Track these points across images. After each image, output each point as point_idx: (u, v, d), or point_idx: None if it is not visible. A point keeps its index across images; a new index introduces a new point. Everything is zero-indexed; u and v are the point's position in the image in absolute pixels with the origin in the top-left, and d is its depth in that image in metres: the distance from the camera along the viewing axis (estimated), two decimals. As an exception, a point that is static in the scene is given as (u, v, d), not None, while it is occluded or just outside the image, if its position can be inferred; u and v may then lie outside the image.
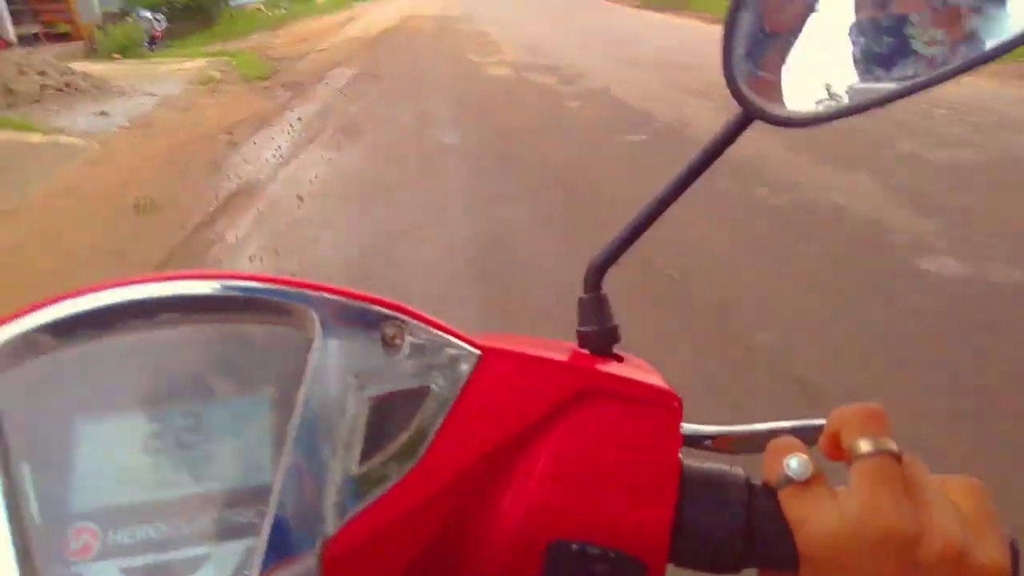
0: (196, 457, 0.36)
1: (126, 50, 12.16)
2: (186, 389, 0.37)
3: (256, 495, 0.36)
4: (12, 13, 17.31)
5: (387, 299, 0.39)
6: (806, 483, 0.34)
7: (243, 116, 7.72)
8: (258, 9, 24.07)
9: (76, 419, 0.37)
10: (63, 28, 16.85)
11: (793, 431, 0.40)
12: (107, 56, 12.18)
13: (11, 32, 17.01)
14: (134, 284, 0.38)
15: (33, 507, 0.35)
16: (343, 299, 0.38)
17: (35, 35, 17.46)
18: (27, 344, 0.37)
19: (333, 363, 0.37)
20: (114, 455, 0.36)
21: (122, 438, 0.37)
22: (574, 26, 14.67)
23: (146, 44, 13.51)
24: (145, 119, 7.78)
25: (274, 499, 0.35)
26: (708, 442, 0.45)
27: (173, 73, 10.41)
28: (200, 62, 11.53)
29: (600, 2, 20.40)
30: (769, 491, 0.36)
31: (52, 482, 0.36)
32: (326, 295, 0.38)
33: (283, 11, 24.12)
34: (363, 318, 0.38)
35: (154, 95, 8.77)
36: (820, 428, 0.38)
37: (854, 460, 0.34)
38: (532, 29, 14.54)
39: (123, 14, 14.20)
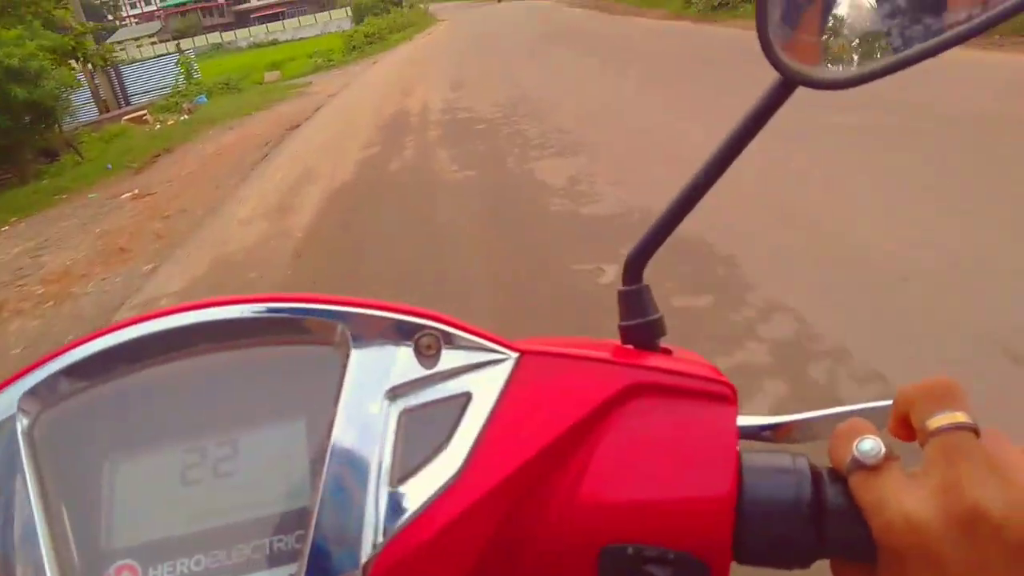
0: (235, 486, 0.35)
1: None
2: (222, 417, 0.36)
3: (297, 520, 0.34)
4: None
5: (421, 309, 0.37)
6: (878, 466, 0.32)
7: None
8: (143, 119, 13.80)
9: (113, 456, 0.36)
10: None
11: (858, 414, 0.36)
12: None
13: None
14: (163, 316, 0.37)
15: (73, 548, 0.34)
16: (375, 312, 0.37)
17: None
18: (62, 383, 0.37)
19: (369, 378, 0.36)
20: (152, 490, 0.36)
21: (159, 472, 0.36)
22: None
23: None
24: None
25: (314, 523, 0.33)
26: (768, 433, 0.40)
27: None
28: None
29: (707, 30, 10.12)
30: (838, 477, 0.34)
31: (91, 521, 0.35)
32: (357, 310, 0.37)
33: (184, 117, 13.84)
34: (396, 330, 0.37)
35: None
36: (887, 409, 0.35)
37: (928, 438, 0.31)
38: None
39: None
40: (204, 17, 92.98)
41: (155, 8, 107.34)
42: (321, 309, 0.37)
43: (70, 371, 0.36)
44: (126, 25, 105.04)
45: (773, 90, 0.38)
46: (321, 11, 75.54)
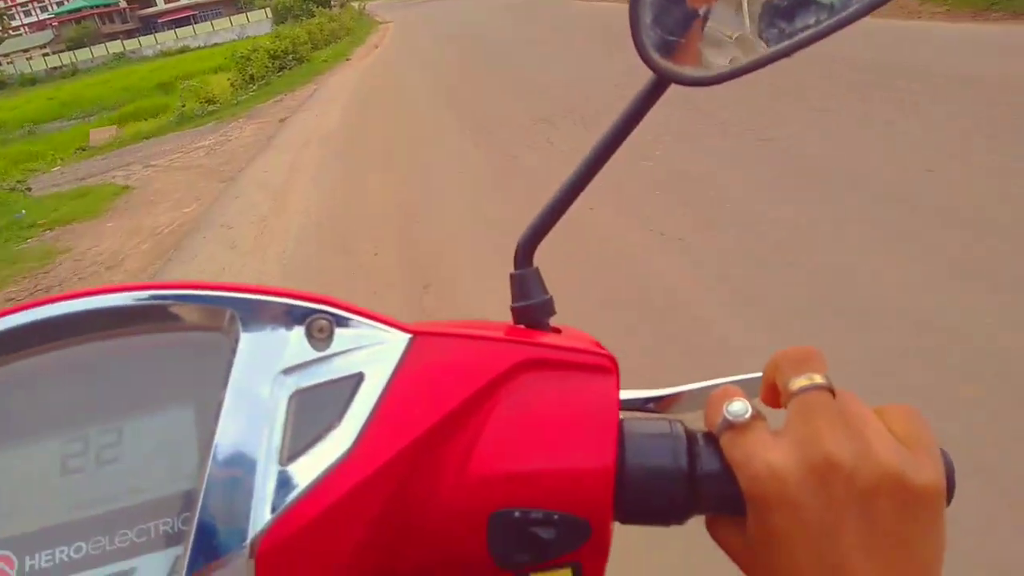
0: (119, 472, 0.35)
1: None
2: (106, 405, 0.36)
3: (184, 502, 0.34)
4: None
5: (313, 293, 0.37)
6: (746, 424, 0.34)
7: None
8: None
9: None
10: None
11: (733, 384, 0.38)
12: None
13: None
14: (42, 305, 0.36)
15: None
16: (265, 297, 0.37)
17: None
18: None
19: (259, 362, 0.35)
20: (30, 480, 0.35)
21: (37, 462, 0.35)
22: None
23: None
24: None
25: (200, 503, 0.33)
26: (652, 405, 0.43)
27: None
28: None
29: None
30: (710, 438, 0.36)
31: None
32: (247, 295, 0.37)
33: None
34: (288, 315, 0.37)
35: None
36: (759, 380, 0.37)
37: (790, 398, 0.34)
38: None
39: None
40: (103, 23, 79.63)
41: (49, 16, 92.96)
42: (209, 295, 0.36)
43: None
44: (20, 35, 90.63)
45: (648, 88, 0.40)
46: (237, 13, 64.21)
